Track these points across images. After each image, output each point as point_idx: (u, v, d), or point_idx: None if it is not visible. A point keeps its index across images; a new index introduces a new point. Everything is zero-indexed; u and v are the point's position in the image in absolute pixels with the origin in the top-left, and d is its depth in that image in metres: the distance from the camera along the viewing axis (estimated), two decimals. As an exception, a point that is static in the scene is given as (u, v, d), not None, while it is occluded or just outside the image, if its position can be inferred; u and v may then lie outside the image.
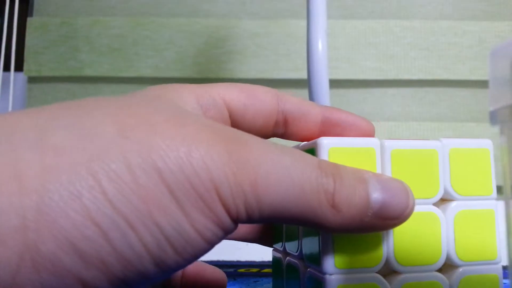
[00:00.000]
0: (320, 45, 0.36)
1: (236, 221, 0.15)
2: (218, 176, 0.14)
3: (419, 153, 0.19)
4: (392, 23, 0.65)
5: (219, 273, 0.24)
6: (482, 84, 0.64)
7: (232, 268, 0.33)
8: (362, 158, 0.18)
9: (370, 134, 0.21)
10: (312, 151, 0.19)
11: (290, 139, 0.22)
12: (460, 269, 0.18)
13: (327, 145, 0.18)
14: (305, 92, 0.37)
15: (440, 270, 0.18)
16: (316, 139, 0.18)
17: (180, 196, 0.14)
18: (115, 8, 0.67)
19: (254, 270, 0.33)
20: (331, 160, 0.18)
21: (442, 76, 0.64)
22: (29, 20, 0.65)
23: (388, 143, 0.18)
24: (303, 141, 0.21)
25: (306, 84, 0.37)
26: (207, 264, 0.24)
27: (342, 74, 0.64)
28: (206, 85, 0.19)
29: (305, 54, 0.37)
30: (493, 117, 0.14)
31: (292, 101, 0.20)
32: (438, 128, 0.63)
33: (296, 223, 0.17)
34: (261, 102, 0.20)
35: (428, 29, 0.65)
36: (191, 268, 0.24)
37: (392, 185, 0.16)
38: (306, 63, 0.36)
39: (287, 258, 0.22)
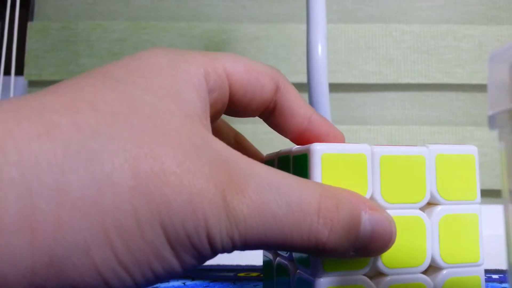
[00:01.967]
0: (320, 49, 0.36)
1: (217, 254, 0.16)
2: (213, 233, 0.15)
3: (407, 159, 0.19)
4: (391, 27, 0.65)
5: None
6: (481, 88, 0.64)
7: (232, 272, 0.33)
8: (353, 163, 0.19)
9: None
10: (305, 156, 0.19)
11: (270, 126, 0.22)
12: (444, 271, 0.19)
13: (320, 151, 0.18)
14: (305, 96, 0.37)
15: (425, 272, 0.19)
16: (309, 145, 0.19)
17: (178, 247, 0.15)
18: (116, 12, 0.67)
19: (254, 274, 0.33)
20: (324, 167, 0.18)
21: (441, 80, 0.64)
22: (30, 24, 0.65)
23: (377, 149, 0.19)
24: (279, 133, 0.22)
25: (306, 87, 0.37)
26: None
27: (342, 78, 0.64)
28: (215, 58, 0.19)
29: (305, 58, 0.37)
30: (492, 122, 0.14)
31: (289, 97, 0.21)
32: (437, 132, 0.63)
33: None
34: (260, 88, 0.20)
35: (427, 33, 0.65)
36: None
37: (380, 227, 0.18)
38: (306, 67, 0.37)
39: (277, 258, 0.23)
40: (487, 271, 0.34)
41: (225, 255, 0.26)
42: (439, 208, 0.19)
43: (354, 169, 0.19)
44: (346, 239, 0.17)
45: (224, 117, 0.22)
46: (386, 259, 0.18)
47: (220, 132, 0.24)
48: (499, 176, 0.15)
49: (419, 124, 0.64)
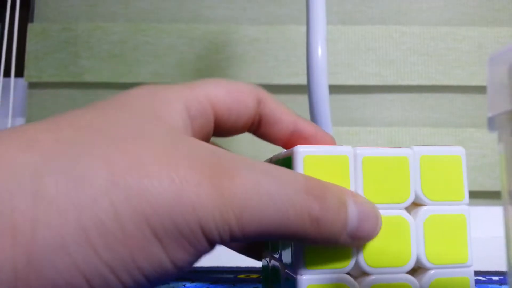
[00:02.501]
0: (319, 51, 0.36)
1: (215, 245, 0.16)
2: (204, 216, 0.15)
3: (390, 160, 0.19)
4: (391, 29, 0.65)
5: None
6: (481, 89, 0.64)
7: (232, 274, 0.33)
8: (336, 165, 0.19)
9: None
10: (289, 159, 0.19)
11: (260, 138, 0.23)
12: (431, 272, 0.19)
13: (303, 153, 0.19)
14: (304, 98, 0.37)
15: (412, 273, 0.19)
16: (292, 148, 0.19)
17: (165, 239, 0.14)
18: (116, 14, 0.67)
19: (254, 276, 0.33)
20: (306, 168, 0.19)
21: (441, 81, 0.64)
22: (30, 26, 0.65)
23: (359, 150, 0.19)
24: (269, 142, 0.23)
25: (306, 89, 0.37)
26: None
27: (342, 80, 0.64)
28: (195, 86, 0.20)
29: (305, 60, 0.37)
30: (491, 123, 0.14)
31: (271, 107, 0.21)
32: (437, 133, 0.63)
33: (277, 240, 0.18)
34: (245, 106, 0.21)
35: (427, 34, 0.65)
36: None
37: (366, 209, 0.18)
38: (306, 69, 0.37)
39: (272, 261, 0.23)
40: (487, 273, 0.33)
41: (225, 257, 0.25)
42: (424, 208, 0.19)
43: (336, 170, 0.19)
44: (337, 217, 0.17)
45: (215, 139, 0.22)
46: (370, 258, 0.18)
47: None
48: (499, 177, 0.15)
49: (419, 126, 0.64)
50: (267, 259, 0.24)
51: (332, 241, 0.17)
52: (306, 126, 0.22)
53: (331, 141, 0.22)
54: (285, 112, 0.22)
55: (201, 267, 0.34)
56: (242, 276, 0.33)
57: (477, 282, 0.31)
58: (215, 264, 0.35)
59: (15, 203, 0.13)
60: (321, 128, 0.22)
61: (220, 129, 0.21)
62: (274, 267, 0.23)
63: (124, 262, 0.14)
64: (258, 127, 0.22)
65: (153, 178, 0.14)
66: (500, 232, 0.18)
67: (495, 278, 0.32)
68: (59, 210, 0.13)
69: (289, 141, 0.22)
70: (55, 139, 0.15)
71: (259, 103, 0.21)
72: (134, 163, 0.15)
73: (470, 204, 0.20)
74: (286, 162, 0.20)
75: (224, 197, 0.15)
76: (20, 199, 0.13)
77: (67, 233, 0.13)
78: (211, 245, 0.16)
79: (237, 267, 0.36)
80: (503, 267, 0.18)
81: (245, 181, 0.16)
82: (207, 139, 0.21)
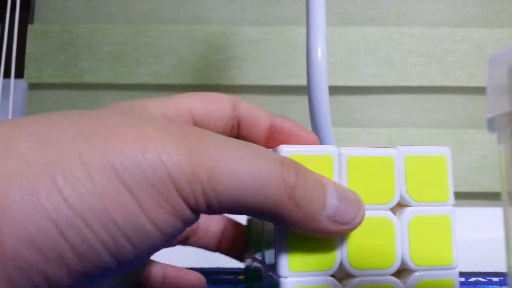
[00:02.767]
0: (319, 52, 0.36)
1: (196, 212, 0.16)
2: (173, 169, 0.15)
3: (375, 160, 0.19)
4: (391, 30, 0.65)
5: (200, 279, 0.25)
6: (481, 90, 0.64)
7: (232, 275, 0.33)
8: (320, 164, 0.19)
9: (314, 143, 0.23)
10: None
11: (243, 140, 0.23)
12: (416, 274, 0.19)
13: (287, 152, 0.19)
14: (305, 99, 0.37)
15: (397, 275, 0.19)
16: (276, 147, 0.19)
17: (137, 192, 0.14)
18: (116, 15, 0.67)
19: (254, 277, 0.32)
20: None
21: (441, 82, 0.64)
22: (30, 27, 0.65)
23: (344, 150, 0.19)
24: (254, 143, 0.23)
25: (306, 90, 0.37)
26: (189, 270, 0.25)
27: (342, 81, 0.64)
28: (172, 98, 0.20)
29: (304, 61, 0.37)
30: (491, 125, 0.14)
31: (244, 108, 0.22)
32: (437, 135, 0.63)
33: (257, 215, 0.18)
34: (221, 110, 0.21)
35: (427, 35, 0.65)
36: (173, 272, 0.24)
37: (346, 195, 0.18)
38: (305, 70, 0.37)
39: (254, 263, 0.23)
40: (487, 274, 0.34)
41: (224, 258, 0.25)
42: (409, 209, 0.19)
43: (320, 170, 0.19)
44: (315, 194, 0.17)
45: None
46: (354, 259, 0.18)
47: None
48: (499, 178, 0.15)
49: (419, 127, 0.64)
50: (250, 260, 0.24)
51: (313, 221, 0.17)
52: (282, 122, 0.23)
53: (311, 136, 0.23)
54: (260, 111, 0.23)
55: (201, 268, 0.34)
56: (241, 277, 0.33)
57: (477, 283, 0.31)
58: (215, 265, 0.35)
59: None
60: (300, 125, 0.23)
61: None
62: (256, 268, 0.22)
63: (97, 212, 0.14)
64: (238, 129, 0.22)
65: (120, 136, 0.15)
66: (500, 233, 0.18)
67: (495, 279, 0.32)
68: (29, 163, 0.14)
69: (269, 138, 0.23)
70: (33, 117, 0.15)
71: (234, 107, 0.22)
72: (103, 126, 0.15)
73: (470, 205, 0.20)
74: None
75: (194, 153, 0.15)
76: None
77: (37, 183, 0.14)
78: (190, 208, 0.15)
79: (237, 268, 0.36)
80: (503, 268, 0.18)
81: (218, 143, 0.16)
82: None
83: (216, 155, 0.15)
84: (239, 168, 0.15)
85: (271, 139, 0.22)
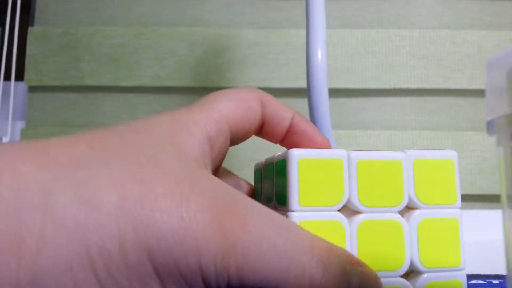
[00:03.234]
0: (319, 55, 0.37)
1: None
2: (206, 261, 0.14)
3: (384, 164, 0.19)
4: (391, 32, 0.65)
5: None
6: (481, 93, 0.64)
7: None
8: (330, 168, 0.19)
9: (325, 147, 0.22)
10: (283, 162, 0.20)
11: (261, 137, 0.23)
12: (425, 275, 0.19)
13: (297, 156, 0.19)
14: (304, 101, 0.37)
15: (406, 276, 0.19)
16: (287, 150, 0.19)
17: (165, 277, 0.14)
18: (116, 17, 0.67)
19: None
20: (301, 171, 0.19)
21: (441, 85, 0.64)
22: (30, 29, 0.66)
23: (354, 154, 0.19)
24: (270, 141, 0.23)
25: (306, 93, 0.37)
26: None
27: (342, 83, 0.64)
28: (209, 108, 0.20)
29: (304, 64, 0.37)
30: (490, 127, 0.14)
31: (271, 107, 0.22)
32: (437, 137, 0.63)
33: None
34: (253, 113, 0.21)
35: (427, 38, 0.65)
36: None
37: (369, 283, 0.17)
38: (306, 72, 0.37)
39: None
40: (487, 277, 0.33)
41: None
42: (417, 212, 0.20)
43: (331, 173, 0.19)
44: (337, 283, 0.17)
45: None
46: (363, 261, 0.18)
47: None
48: (499, 180, 0.16)
49: (419, 129, 0.65)
50: None
51: None
52: (300, 123, 0.22)
53: (324, 140, 0.23)
54: (284, 110, 0.22)
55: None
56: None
57: (477, 285, 0.31)
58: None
59: (22, 217, 0.13)
60: (315, 127, 0.23)
61: (233, 139, 0.21)
62: None
63: None
64: (261, 128, 0.22)
65: (163, 212, 0.14)
66: (500, 235, 0.18)
67: (495, 281, 0.32)
68: (66, 230, 0.13)
69: (285, 138, 0.23)
70: (69, 155, 0.15)
71: (262, 105, 0.22)
72: (146, 192, 0.14)
73: (469, 207, 0.20)
74: (281, 164, 0.20)
75: (229, 243, 0.15)
76: (28, 215, 0.13)
77: (72, 254, 0.13)
78: (205, 287, 0.15)
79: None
80: (503, 271, 0.18)
81: (253, 229, 0.15)
82: (224, 154, 0.21)
83: (250, 248, 0.15)
84: (269, 261, 0.15)
85: (285, 138, 0.23)
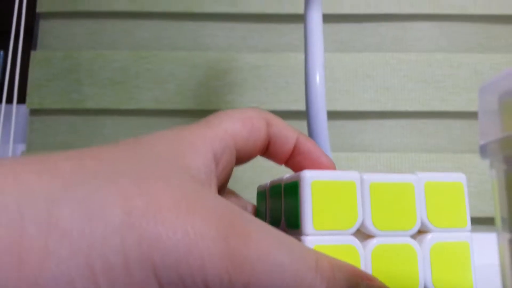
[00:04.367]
0: (318, 78, 0.37)
1: None
2: (212, 277, 0.14)
3: (396, 186, 0.19)
4: (388, 56, 0.66)
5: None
6: (478, 115, 0.65)
7: None
8: (343, 191, 0.19)
9: (331, 168, 0.22)
10: (295, 184, 0.19)
11: (266, 158, 0.23)
12: None
13: (310, 178, 0.19)
14: (304, 124, 0.37)
15: None
16: (299, 172, 0.19)
17: None
18: (117, 42, 0.68)
19: None
20: (314, 193, 0.18)
21: (438, 107, 0.65)
22: (33, 53, 0.66)
23: (366, 176, 0.19)
24: (275, 162, 0.23)
25: (305, 115, 0.37)
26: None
27: (340, 106, 0.64)
28: (215, 125, 0.20)
29: (303, 86, 0.38)
30: (483, 151, 0.14)
31: (276, 127, 0.22)
32: (436, 160, 0.63)
33: None
34: (259, 133, 0.21)
35: (424, 61, 0.66)
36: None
37: None
38: (304, 95, 0.37)
39: None
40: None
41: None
42: (430, 235, 0.20)
43: (344, 196, 0.19)
44: None
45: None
46: None
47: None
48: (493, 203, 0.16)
49: (417, 152, 0.65)
50: None
51: None
52: (305, 143, 0.23)
53: (329, 161, 0.23)
54: (288, 130, 0.22)
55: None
56: None
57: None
58: None
59: (26, 226, 0.13)
60: (319, 148, 0.23)
61: (238, 158, 0.21)
62: None
63: None
64: (266, 148, 0.22)
65: (168, 226, 0.14)
66: (476, 257, 0.18)
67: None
68: (70, 242, 0.13)
69: (290, 159, 0.23)
70: (75, 168, 0.15)
71: (268, 125, 0.22)
72: (152, 206, 0.14)
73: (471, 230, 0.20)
74: (292, 187, 0.20)
75: (236, 260, 0.15)
76: (31, 224, 0.13)
77: (74, 266, 0.13)
78: None
79: None
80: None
81: (259, 246, 0.15)
82: (230, 172, 0.21)
83: (256, 266, 0.15)
84: (274, 278, 0.15)
85: (290, 158, 0.23)
